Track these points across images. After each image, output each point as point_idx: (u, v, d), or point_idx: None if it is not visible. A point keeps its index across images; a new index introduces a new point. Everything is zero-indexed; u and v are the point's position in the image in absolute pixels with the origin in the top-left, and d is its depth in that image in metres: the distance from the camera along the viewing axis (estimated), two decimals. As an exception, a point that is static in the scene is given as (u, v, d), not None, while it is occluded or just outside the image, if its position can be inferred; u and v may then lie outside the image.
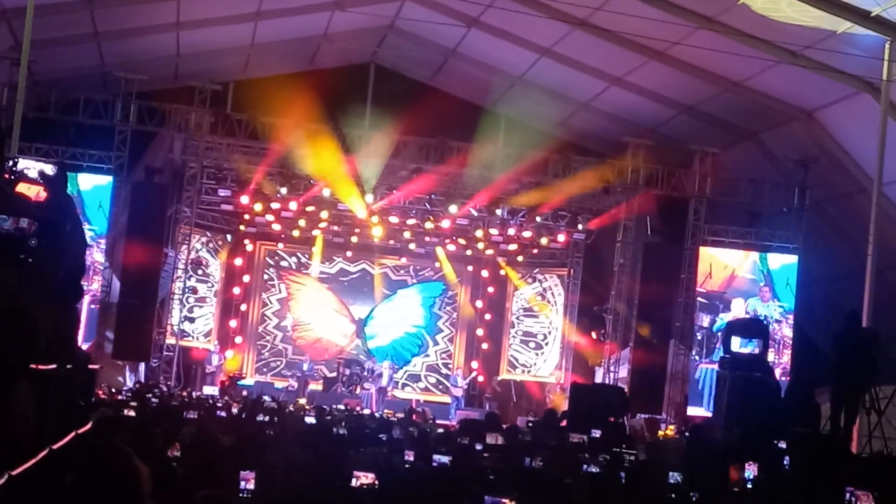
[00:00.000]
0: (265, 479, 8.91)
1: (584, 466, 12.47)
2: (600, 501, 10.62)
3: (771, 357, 26.43)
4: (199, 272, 30.71)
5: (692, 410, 26.69)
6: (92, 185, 26.23)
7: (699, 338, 27.71)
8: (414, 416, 23.89)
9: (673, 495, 11.43)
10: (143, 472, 5.21)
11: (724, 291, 27.85)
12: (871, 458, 15.41)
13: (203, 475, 8.90)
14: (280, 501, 8.98)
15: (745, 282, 27.93)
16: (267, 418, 17.26)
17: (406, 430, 16.39)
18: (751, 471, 12.76)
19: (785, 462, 14.52)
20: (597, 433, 17.43)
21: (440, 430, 19.09)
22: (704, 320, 27.69)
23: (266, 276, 33.13)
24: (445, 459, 11.63)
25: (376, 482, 9.50)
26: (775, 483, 12.64)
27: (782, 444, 15.53)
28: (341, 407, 24.82)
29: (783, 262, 27.65)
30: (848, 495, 10.46)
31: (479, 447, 14.16)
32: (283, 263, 33.24)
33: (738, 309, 27.40)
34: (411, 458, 12.08)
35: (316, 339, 33.09)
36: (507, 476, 11.46)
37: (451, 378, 32.71)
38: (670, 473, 11.79)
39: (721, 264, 27.98)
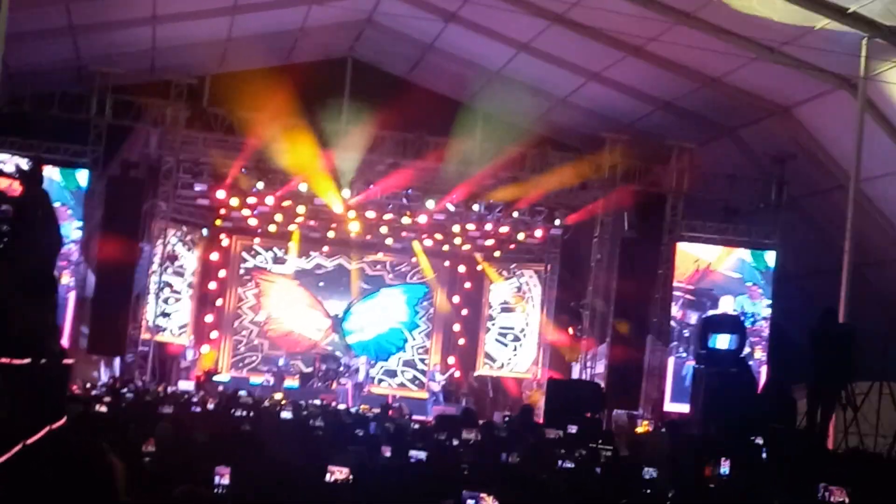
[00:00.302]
0: (241, 475, 8.85)
1: (561, 462, 12.48)
2: (577, 496, 10.62)
3: (759, 354, 26.52)
4: (175, 266, 30.56)
5: (678, 407, 26.56)
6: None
7: (686, 334, 27.55)
8: (390, 412, 23.86)
9: (649, 490, 11.44)
10: (118, 468, 5.16)
11: (709, 288, 27.80)
12: (847, 455, 15.47)
13: (179, 471, 8.84)
14: (256, 497, 8.92)
15: (726, 278, 27.90)
16: (243, 413, 17.21)
17: (382, 426, 16.36)
18: (726, 467, 12.78)
19: (762, 457, 14.57)
20: (573, 429, 17.46)
21: (417, 426, 19.08)
22: (692, 317, 27.58)
23: (242, 271, 33.03)
24: (422, 455, 11.60)
25: (351, 477, 9.46)
26: (752, 478, 12.66)
27: (759, 440, 15.58)
28: (317, 402, 24.76)
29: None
30: (822, 491, 10.48)
31: (455, 443, 14.15)
32: (259, 258, 33.13)
33: (726, 306, 27.32)
34: (388, 454, 12.05)
35: (287, 332, 33.01)
36: (484, 471, 11.43)
37: (428, 374, 32.68)
38: (647, 469, 11.79)
39: (697, 259, 27.98)
